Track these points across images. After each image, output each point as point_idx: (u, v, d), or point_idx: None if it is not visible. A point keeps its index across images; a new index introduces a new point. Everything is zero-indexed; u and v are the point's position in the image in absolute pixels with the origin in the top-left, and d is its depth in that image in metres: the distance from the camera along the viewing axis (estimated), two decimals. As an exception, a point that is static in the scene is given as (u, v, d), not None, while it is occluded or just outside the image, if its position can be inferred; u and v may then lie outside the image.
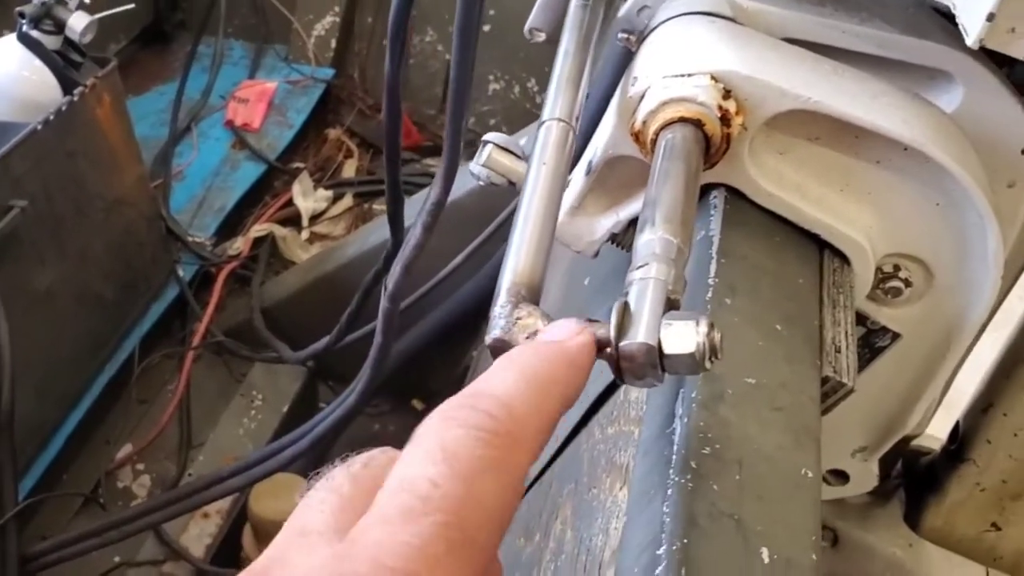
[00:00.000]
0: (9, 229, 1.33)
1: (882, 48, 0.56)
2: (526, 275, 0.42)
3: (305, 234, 2.17)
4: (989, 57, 0.54)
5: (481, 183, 0.62)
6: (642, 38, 0.60)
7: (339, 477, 0.33)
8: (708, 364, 0.37)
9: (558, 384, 0.35)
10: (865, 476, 0.73)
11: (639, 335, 0.38)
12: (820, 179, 0.57)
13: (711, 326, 0.38)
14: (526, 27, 0.68)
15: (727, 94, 0.53)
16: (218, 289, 1.92)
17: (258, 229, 2.09)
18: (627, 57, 0.60)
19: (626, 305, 0.39)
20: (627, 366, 0.38)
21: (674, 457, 0.42)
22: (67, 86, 1.51)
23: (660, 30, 0.59)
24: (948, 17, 0.55)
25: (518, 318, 0.40)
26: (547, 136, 0.51)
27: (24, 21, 1.48)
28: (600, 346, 0.38)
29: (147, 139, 2.01)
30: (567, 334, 0.37)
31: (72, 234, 1.53)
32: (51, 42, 1.50)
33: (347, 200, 2.25)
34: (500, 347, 0.40)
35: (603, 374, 0.60)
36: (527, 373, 0.34)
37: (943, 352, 0.63)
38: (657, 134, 0.53)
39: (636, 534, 0.41)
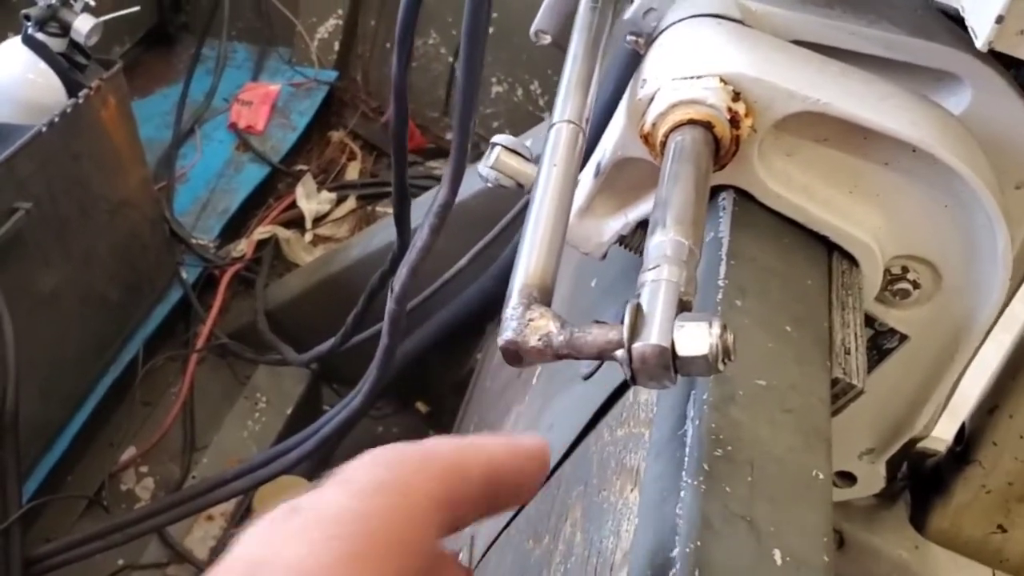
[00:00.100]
0: (14, 231, 1.33)
1: (890, 50, 0.56)
2: (538, 276, 0.42)
3: (309, 236, 2.17)
4: (997, 59, 0.54)
5: (489, 185, 0.62)
6: (650, 40, 0.60)
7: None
8: (721, 366, 0.38)
9: None
10: (872, 478, 0.73)
11: (652, 337, 0.38)
12: (828, 181, 0.57)
13: (724, 328, 0.38)
14: (532, 29, 0.68)
15: (736, 96, 0.53)
16: (222, 291, 1.92)
17: (262, 231, 2.09)
18: (634, 59, 0.60)
19: (638, 307, 0.39)
20: (640, 368, 0.38)
21: (686, 459, 0.42)
22: (72, 88, 1.50)
23: (669, 32, 0.59)
24: (956, 19, 0.55)
25: (530, 320, 0.40)
26: (558, 138, 0.51)
27: (29, 24, 1.48)
28: (612, 348, 0.38)
29: (151, 141, 2.01)
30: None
31: (76, 236, 1.53)
32: (56, 45, 1.50)
33: (351, 202, 2.25)
34: (513, 348, 0.40)
35: (611, 376, 0.60)
36: None
37: (951, 354, 0.63)
38: (667, 136, 0.53)
39: (649, 536, 0.41)
